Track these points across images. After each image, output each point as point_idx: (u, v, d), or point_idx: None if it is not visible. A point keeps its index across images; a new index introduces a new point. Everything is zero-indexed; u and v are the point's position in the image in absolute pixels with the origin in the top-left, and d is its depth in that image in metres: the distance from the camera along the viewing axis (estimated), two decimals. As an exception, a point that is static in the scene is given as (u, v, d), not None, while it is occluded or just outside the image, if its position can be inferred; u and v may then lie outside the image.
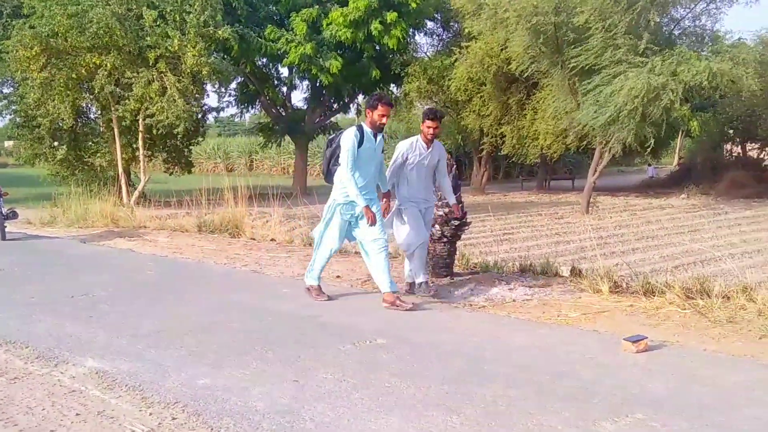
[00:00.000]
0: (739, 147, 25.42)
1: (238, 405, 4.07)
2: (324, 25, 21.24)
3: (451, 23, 24.81)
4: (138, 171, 18.57)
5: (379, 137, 6.78)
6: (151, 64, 15.91)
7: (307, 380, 4.51)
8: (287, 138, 27.62)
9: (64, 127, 18.45)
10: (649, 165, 30.56)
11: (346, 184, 6.48)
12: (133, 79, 15.90)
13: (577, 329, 5.77)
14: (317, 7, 21.36)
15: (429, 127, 6.89)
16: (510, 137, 21.15)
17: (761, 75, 16.72)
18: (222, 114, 27.27)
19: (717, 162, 24.46)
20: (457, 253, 8.50)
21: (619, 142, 15.93)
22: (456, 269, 8.39)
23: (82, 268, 9.17)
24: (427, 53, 25.61)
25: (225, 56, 19.87)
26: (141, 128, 17.04)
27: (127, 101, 16.28)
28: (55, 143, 19.12)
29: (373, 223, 6.48)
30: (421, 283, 6.98)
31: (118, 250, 11.09)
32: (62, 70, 15.87)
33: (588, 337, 5.49)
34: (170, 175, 21.28)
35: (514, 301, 6.84)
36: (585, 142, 17.99)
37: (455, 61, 20.89)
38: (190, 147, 21.41)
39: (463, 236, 8.49)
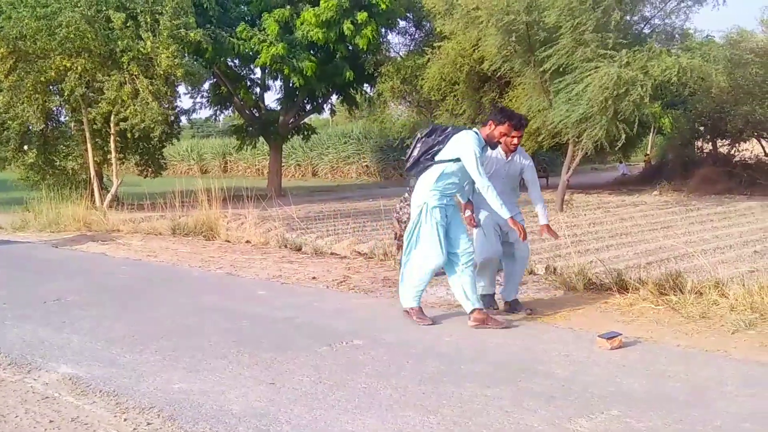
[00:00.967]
0: (710, 144, 25.69)
1: (213, 409, 4.05)
2: (297, 25, 21.19)
3: (423, 22, 24.85)
4: (111, 174, 18.41)
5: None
6: (122, 67, 15.77)
7: (284, 383, 4.50)
8: (261, 139, 27.51)
9: (34, 130, 18.24)
10: (621, 162, 30.77)
11: (483, 193, 5.64)
12: (105, 82, 15.73)
13: (553, 327, 5.80)
14: (289, 7, 21.30)
15: (514, 137, 5.94)
16: (484, 136, 21.21)
17: (730, 72, 16.94)
18: (195, 116, 27.06)
19: (688, 159, 24.71)
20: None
21: (590, 139, 16.04)
22: (432, 269, 8.39)
23: (54, 273, 9.08)
24: (400, 53, 25.63)
25: (197, 58, 19.75)
26: (113, 131, 16.88)
27: (99, 104, 16.12)
28: (25, 147, 18.89)
29: (524, 237, 5.80)
30: (485, 295, 6.29)
31: (91, 254, 10.99)
32: (30, 74, 15.67)
33: (563, 335, 5.52)
34: (144, 177, 21.12)
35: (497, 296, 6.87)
36: (557, 140, 18.11)
37: (428, 61, 20.93)
38: (163, 149, 21.26)
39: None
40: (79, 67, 15.46)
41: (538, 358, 4.95)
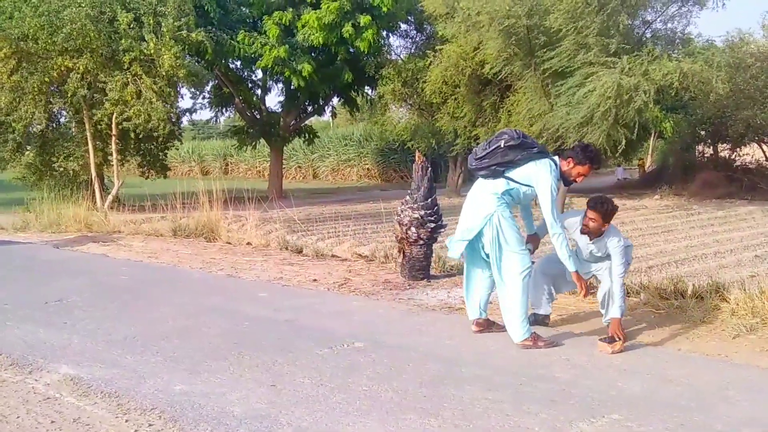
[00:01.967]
0: (711, 148, 25.66)
1: (215, 410, 4.05)
2: (299, 28, 21.19)
3: (425, 25, 24.83)
4: (112, 175, 18.40)
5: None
6: (125, 67, 15.77)
7: (285, 385, 4.50)
8: (262, 141, 27.51)
9: (35, 131, 18.22)
10: (618, 166, 30.69)
11: (553, 239, 5.37)
12: (108, 83, 15.73)
13: (553, 330, 5.80)
14: (291, 10, 21.30)
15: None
16: (484, 139, 21.17)
17: (731, 77, 16.92)
18: (195, 116, 27.08)
19: (689, 163, 24.68)
20: (434, 255, 8.52)
21: (591, 143, 16.02)
22: (433, 272, 8.42)
23: (55, 274, 9.08)
24: (401, 56, 25.62)
25: (198, 59, 19.75)
26: (114, 132, 16.87)
27: (102, 105, 16.11)
28: (28, 147, 18.88)
29: (586, 295, 5.63)
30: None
31: (92, 255, 11.00)
32: (34, 74, 15.66)
33: (564, 339, 5.52)
34: (145, 179, 21.11)
35: (490, 303, 6.86)
36: (559, 143, 18.11)
37: (429, 64, 20.92)
38: (166, 151, 21.26)
39: (439, 238, 8.52)
40: (81, 67, 15.45)
41: (538, 362, 4.95)
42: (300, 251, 10.53)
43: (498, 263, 5.43)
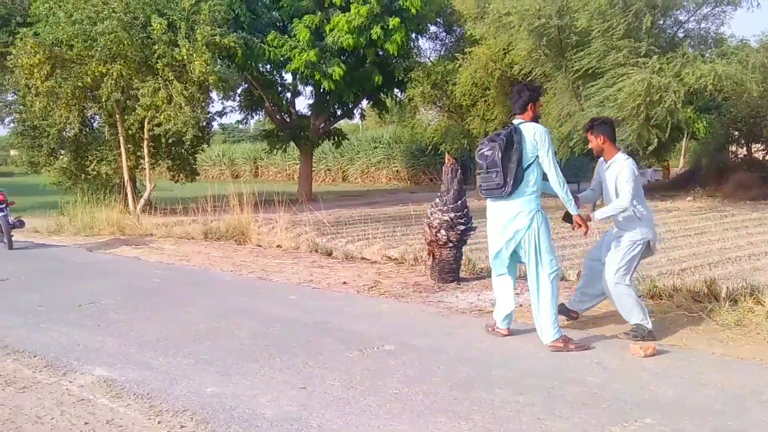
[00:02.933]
0: (745, 149, 25.33)
1: (246, 412, 4.07)
2: (327, 31, 21.27)
3: (454, 27, 24.80)
4: (144, 179, 18.61)
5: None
6: (157, 73, 15.93)
7: (315, 387, 4.51)
8: (292, 144, 27.66)
9: (68, 136, 18.49)
10: (649, 167, 30.35)
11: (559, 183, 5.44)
12: (140, 88, 15.91)
13: (584, 333, 5.75)
14: (320, 13, 21.39)
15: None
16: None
17: (765, 78, 16.69)
18: (226, 119, 27.35)
19: (722, 164, 24.38)
20: (464, 257, 8.50)
21: (621, 144, 15.90)
22: (462, 274, 8.39)
23: (88, 277, 9.20)
24: (431, 58, 25.60)
25: (229, 63, 19.91)
26: (146, 136, 17.06)
27: (134, 110, 16.29)
28: (61, 151, 19.18)
29: (586, 234, 5.92)
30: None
31: (125, 258, 11.13)
32: (68, 80, 15.88)
33: (595, 342, 5.47)
34: (176, 182, 21.33)
35: (520, 305, 6.83)
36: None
37: (459, 65, 20.89)
38: (195, 155, 21.46)
39: (469, 241, 8.49)
40: (114, 73, 15.64)
41: (569, 365, 4.91)
42: (330, 254, 10.56)
43: (535, 267, 5.39)
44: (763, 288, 6.37)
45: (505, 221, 5.47)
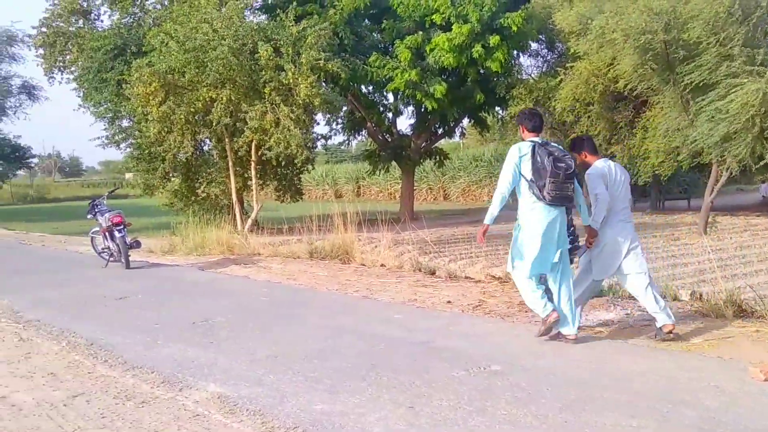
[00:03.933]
0: None
1: (354, 430, 4.12)
2: (427, 51, 21.39)
3: (556, 44, 24.50)
4: (251, 199, 19.10)
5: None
6: (264, 97, 16.36)
7: (422, 407, 4.53)
8: (393, 163, 27.86)
9: (180, 159, 19.20)
10: (763, 182, 29.03)
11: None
12: (249, 112, 16.37)
13: (699, 355, 5.56)
14: (421, 33, 21.53)
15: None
16: (620, 157, 20.62)
17: None
18: (330, 142, 27.77)
19: None
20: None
21: (734, 158, 15.29)
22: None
23: (200, 295, 9.52)
24: (532, 75, 25.34)
25: (333, 86, 20.27)
26: (253, 158, 17.53)
27: (243, 134, 16.79)
28: (174, 175, 19.94)
29: (590, 246, 6.79)
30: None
31: (234, 276, 11.44)
32: (181, 106, 16.51)
33: (711, 364, 5.28)
34: (281, 202, 21.81)
35: (631, 326, 6.66)
36: (698, 159, 17.35)
37: (560, 81, 20.59)
38: (301, 175, 21.90)
39: (575, 260, 8.35)
40: (224, 98, 16.17)
41: (684, 388, 4.76)
42: (433, 273, 10.57)
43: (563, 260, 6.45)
44: None
45: (560, 228, 6.38)
